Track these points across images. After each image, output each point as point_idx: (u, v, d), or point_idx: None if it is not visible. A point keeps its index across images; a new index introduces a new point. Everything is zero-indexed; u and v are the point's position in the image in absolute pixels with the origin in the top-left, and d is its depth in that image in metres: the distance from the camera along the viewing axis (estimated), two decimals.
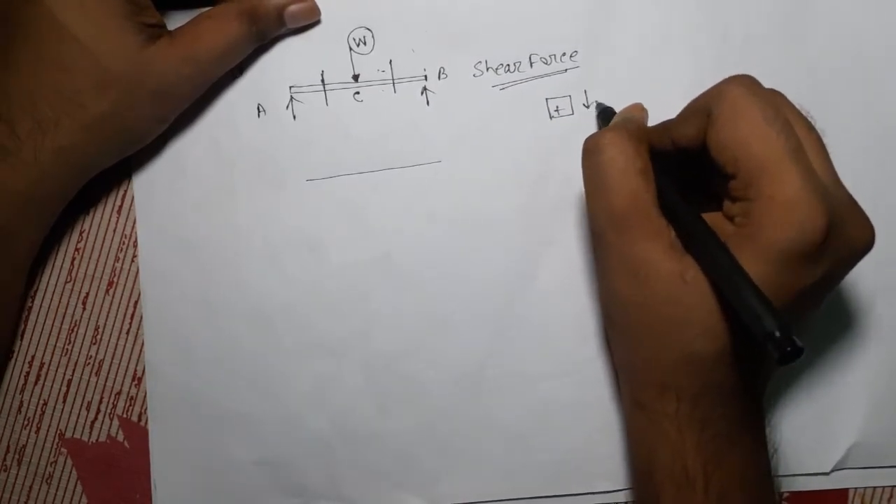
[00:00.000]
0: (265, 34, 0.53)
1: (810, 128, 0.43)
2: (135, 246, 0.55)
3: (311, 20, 0.53)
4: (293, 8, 0.52)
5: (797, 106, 0.44)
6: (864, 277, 0.53)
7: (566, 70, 0.53)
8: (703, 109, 0.43)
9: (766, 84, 0.52)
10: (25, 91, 0.48)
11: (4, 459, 0.55)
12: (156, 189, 0.54)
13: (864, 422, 0.52)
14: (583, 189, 0.51)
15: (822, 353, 0.53)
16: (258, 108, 0.54)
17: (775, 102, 0.42)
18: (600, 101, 0.53)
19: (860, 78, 0.53)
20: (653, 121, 0.51)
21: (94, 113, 0.49)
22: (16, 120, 0.48)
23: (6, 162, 0.48)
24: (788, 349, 0.36)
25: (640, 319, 0.44)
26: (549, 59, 0.53)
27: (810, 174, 0.40)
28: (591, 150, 0.45)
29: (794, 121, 0.42)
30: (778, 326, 0.37)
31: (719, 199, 0.45)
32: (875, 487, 0.53)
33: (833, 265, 0.42)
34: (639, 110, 0.51)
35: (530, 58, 0.53)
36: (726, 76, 0.52)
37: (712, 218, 0.43)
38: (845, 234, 0.41)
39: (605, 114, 0.52)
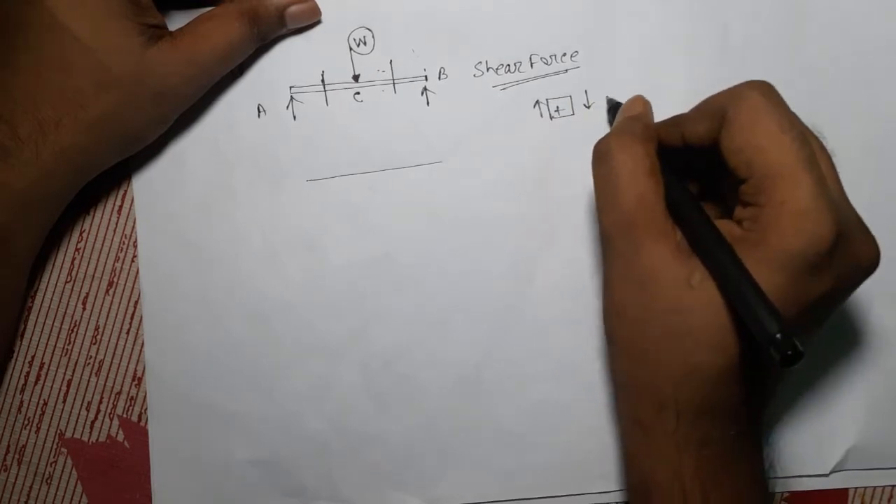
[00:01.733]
0: (266, 35, 0.53)
1: (821, 145, 0.43)
2: (135, 246, 0.55)
3: (311, 20, 0.54)
4: (294, 8, 0.53)
5: (810, 125, 0.44)
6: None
7: (567, 70, 0.54)
8: (718, 110, 0.43)
9: None
10: (27, 91, 0.48)
11: (4, 459, 0.55)
12: (156, 189, 0.55)
13: (863, 423, 0.53)
14: (581, 189, 0.52)
15: (821, 354, 0.53)
16: (258, 109, 0.54)
17: (791, 113, 0.42)
18: (609, 96, 0.53)
19: (859, 79, 0.54)
20: (656, 119, 0.51)
21: (96, 113, 0.49)
22: (17, 120, 0.48)
23: (7, 162, 0.48)
24: (790, 352, 0.36)
25: (642, 333, 0.44)
26: (549, 59, 0.54)
27: (823, 185, 0.40)
28: (600, 156, 0.45)
29: (807, 134, 0.42)
30: (780, 329, 0.37)
31: (725, 201, 0.46)
32: (875, 487, 0.54)
33: (837, 280, 0.41)
34: (641, 104, 0.51)
35: (531, 58, 0.54)
36: (726, 77, 0.52)
37: (720, 222, 0.43)
38: (852, 249, 0.42)
39: (615, 109, 0.52)
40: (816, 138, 0.43)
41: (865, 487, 0.54)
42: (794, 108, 0.53)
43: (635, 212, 0.43)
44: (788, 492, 0.53)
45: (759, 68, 0.53)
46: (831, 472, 0.53)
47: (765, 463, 0.46)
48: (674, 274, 0.42)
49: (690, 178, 0.46)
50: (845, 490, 0.54)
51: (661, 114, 0.51)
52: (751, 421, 0.44)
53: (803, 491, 0.53)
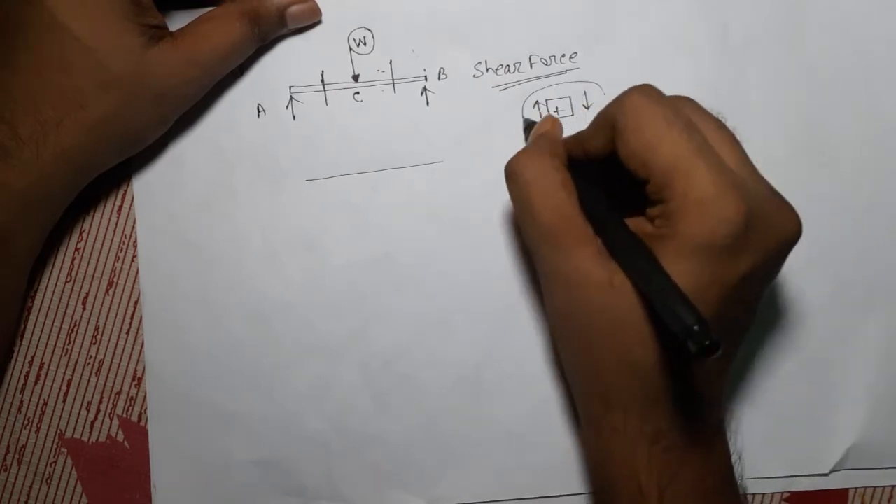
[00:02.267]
0: (267, 35, 0.54)
1: (720, 125, 0.44)
2: (135, 246, 0.55)
3: (312, 20, 0.54)
4: (294, 9, 0.53)
5: (708, 108, 0.44)
6: (863, 278, 0.53)
7: (566, 71, 0.54)
8: (608, 121, 0.44)
9: (766, 84, 0.53)
10: (27, 92, 0.49)
11: (4, 459, 0.55)
12: (156, 189, 0.55)
13: (864, 422, 0.53)
14: None
15: (821, 353, 0.53)
16: (258, 108, 0.55)
17: (675, 105, 0.43)
18: (529, 118, 0.54)
19: (859, 77, 0.54)
20: None
21: (96, 114, 0.49)
22: (18, 121, 0.48)
23: (8, 163, 0.48)
24: (707, 343, 0.36)
25: (578, 330, 0.45)
26: (548, 60, 0.54)
27: (720, 168, 0.41)
28: (510, 174, 0.46)
29: (699, 120, 0.43)
30: (696, 320, 0.37)
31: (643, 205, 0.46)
32: (875, 487, 0.54)
33: (760, 257, 0.42)
34: (550, 122, 0.51)
35: (530, 59, 0.54)
36: (726, 77, 0.53)
37: (635, 222, 0.44)
38: (769, 224, 0.42)
39: (530, 128, 0.52)
40: (714, 120, 0.44)
41: (866, 487, 0.54)
42: (793, 106, 0.54)
43: (553, 223, 0.44)
44: (788, 492, 0.53)
45: (759, 68, 0.54)
46: (831, 472, 0.53)
47: (731, 454, 0.47)
48: (597, 277, 0.42)
49: (613, 191, 0.46)
50: (845, 490, 0.54)
51: None
52: (706, 407, 0.45)
53: (803, 491, 0.53)
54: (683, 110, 0.43)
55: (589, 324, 0.44)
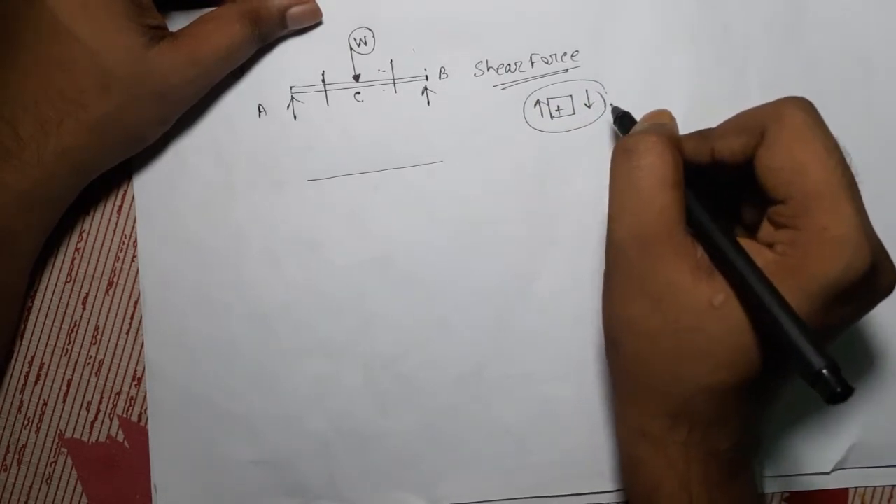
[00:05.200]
0: (267, 36, 0.54)
1: (848, 165, 0.42)
2: (135, 246, 0.56)
3: (313, 21, 0.55)
4: (295, 10, 0.54)
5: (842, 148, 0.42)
6: None
7: (567, 70, 0.54)
8: (755, 127, 0.42)
9: (766, 82, 0.54)
10: (28, 92, 0.49)
11: (4, 459, 0.56)
12: (156, 189, 0.55)
13: (865, 421, 0.53)
14: (582, 188, 0.53)
15: None
16: (259, 109, 0.55)
17: (833, 135, 0.41)
18: (618, 107, 0.53)
19: (860, 78, 0.54)
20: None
21: (97, 114, 0.50)
22: (18, 121, 0.49)
23: (9, 163, 0.49)
24: (839, 390, 0.36)
25: (656, 348, 0.42)
26: (550, 58, 0.55)
27: (862, 214, 0.40)
28: (628, 152, 0.43)
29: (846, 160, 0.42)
30: (827, 365, 0.36)
31: (741, 219, 0.46)
32: (875, 487, 0.54)
33: (863, 307, 0.42)
34: (669, 118, 0.48)
35: (531, 57, 0.55)
36: (726, 76, 0.53)
37: (747, 242, 0.42)
38: (879, 276, 0.41)
39: (622, 119, 0.51)
40: (845, 159, 0.42)
41: (866, 487, 0.54)
42: None
43: (656, 223, 0.42)
44: (788, 492, 0.54)
45: (760, 67, 0.54)
46: (833, 471, 0.53)
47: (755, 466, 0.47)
48: (694, 293, 0.41)
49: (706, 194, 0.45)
50: (845, 490, 0.54)
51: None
52: (756, 429, 0.45)
53: (803, 491, 0.54)
54: (838, 144, 0.41)
55: (672, 340, 0.42)
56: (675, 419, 0.43)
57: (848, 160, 0.42)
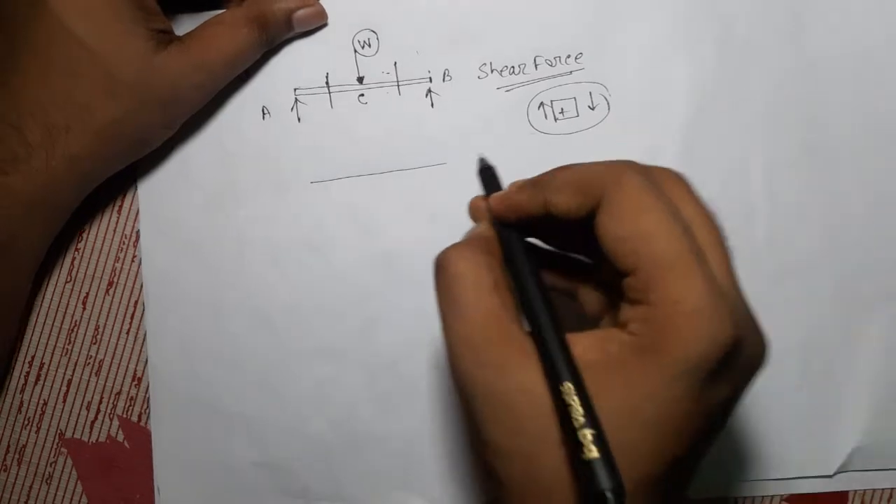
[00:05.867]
0: (274, 39, 0.54)
1: (713, 226, 0.38)
2: (134, 246, 0.56)
3: (319, 23, 0.55)
4: (301, 13, 0.54)
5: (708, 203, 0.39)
6: (866, 281, 0.54)
7: (571, 72, 0.55)
8: (591, 188, 0.38)
9: (768, 83, 0.54)
10: (36, 98, 0.49)
11: (4, 459, 0.56)
12: (160, 190, 0.56)
13: (867, 425, 0.53)
14: None
15: (824, 356, 0.54)
16: (263, 111, 0.55)
17: (670, 199, 0.37)
18: (485, 159, 0.47)
19: (861, 78, 0.55)
20: (661, 126, 0.53)
21: (104, 119, 0.50)
22: (27, 127, 0.49)
23: (18, 169, 0.49)
24: None
25: (537, 469, 0.36)
26: (553, 61, 0.55)
27: (714, 280, 0.36)
28: (439, 266, 0.40)
29: (694, 213, 0.38)
30: (613, 487, 0.33)
31: (603, 279, 0.43)
32: (875, 489, 0.54)
33: (739, 383, 0.37)
34: (486, 227, 0.44)
35: (535, 60, 0.55)
36: (728, 77, 0.53)
37: (607, 332, 0.37)
38: (750, 347, 0.37)
39: (485, 173, 0.46)
40: (710, 218, 0.38)
41: (866, 490, 0.54)
42: (796, 105, 0.54)
43: (486, 327, 0.38)
44: (790, 494, 0.54)
45: (762, 68, 0.55)
46: (835, 474, 0.54)
47: None
48: (542, 396, 0.36)
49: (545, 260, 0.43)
50: (846, 493, 0.54)
51: (666, 116, 0.53)
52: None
53: (804, 493, 0.54)
54: (675, 204, 0.37)
55: (551, 456, 0.36)
56: None
57: (718, 222, 0.39)
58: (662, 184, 0.38)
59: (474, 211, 0.45)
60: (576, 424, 0.34)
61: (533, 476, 0.36)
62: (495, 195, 0.43)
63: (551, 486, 0.36)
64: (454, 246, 0.41)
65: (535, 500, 0.36)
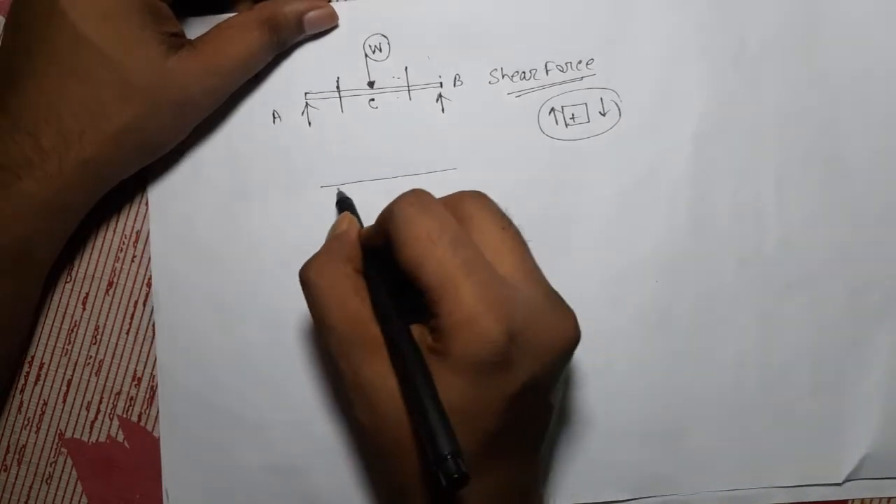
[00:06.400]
0: (285, 42, 0.54)
1: (504, 226, 0.44)
2: (135, 246, 0.56)
3: (330, 25, 0.55)
4: (312, 14, 0.54)
5: (497, 202, 0.45)
6: (877, 285, 0.54)
7: (582, 78, 0.55)
8: (384, 224, 0.44)
9: (781, 91, 0.54)
10: (49, 103, 0.49)
11: (4, 459, 0.56)
12: (170, 194, 0.55)
13: (877, 433, 0.54)
14: (596, 197, 0.53)
15: (835, 364, 0.54)
16: (273, 115, 0.55)
17: (443, 215, 0.43)
18: (343, 192, 0.54)
19: (874, 87, 0.55)
20: (672, 133, 0.54)
21: (118, 124, 0.50)
22: (41, 132, 0.49)
23: (31, 174, 0.49)
24: (455, 475, 0.37)
25: (378, 443, 0.44)
26: (564, 66, 0.55)
27: (485, 285, 0.41)
28: (304, 283, 0.46)
29: (481, 222, 0.44)
30: (451, 449, 0.38)
31: None
32: (886, 498, 0.55)
33: (535, 366, 0.42)
34: (347, 223, 0.50)
35: (546, 65, 0.55)
36: (741, 86, 0.53)
37: (421, 331, 0.43)
38: (539, 334, 0.42)
39: (342, 205, 0.53)
40: (498, 220, 0.44)
41: (875, 498, 0.55)
42: (808, 113, 0.55)
43: (347, 332, 0.44)
44: (797, 502, 0.55)
45: (775, 76, 0.55)
46: (845, 482, 0.54)
47: None
48: (392, 387, 0.42)
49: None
50: (855, 501, 0.55)
51: (678, 124, 0.54)
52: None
53: (814, 502, 0.54)
54: (450, 220, 0.43)
55: (388, 439, 0.43)
56: None
57: (510, 218, 0.45)
58: (439, 207, 0.43)
59: (338, 222, 0.50)
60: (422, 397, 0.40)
61: (386, 446, 0.43)
62: (367, 229, 0.48)
63: (400, 453, 0.43)
64: (314, 259, 0.47)
65: (392, 462, 0.44)
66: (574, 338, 0.44)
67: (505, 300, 0.41)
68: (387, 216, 0.44)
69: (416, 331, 0.43)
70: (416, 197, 0.44)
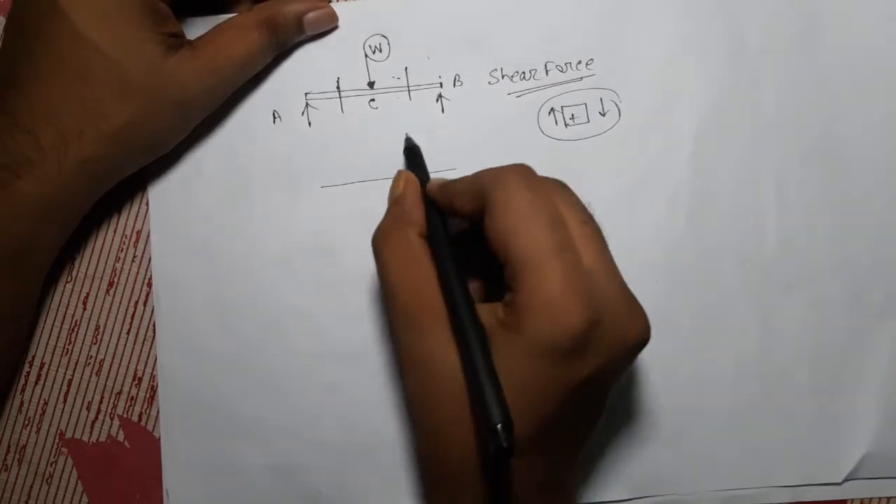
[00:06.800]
0: (285, 42, 0.54)
1: (585, 220, 0.44)
2: (135, 246, 0.56)
3: (329, 26, 0.55)
4: (312, 15, 0.54)
5: (580, 196, 0.45)
6: (878, 285, 0.55)
7: (582, 78, 0.55)
8: (481, 192, 0.44)
9: (781, 90, 0.54)
10: (49, 102, 0.49)
11: (5, 459, 0.56)
12: (171, 194, 0.56)
13: (877, 433, 0.54)
14: (596, 197, 0.53)
15: (835, 364, 0.54)
16: (274, 115, 0.55)
17: (547, 195, 0.43)
18: (410, 137, 0.55)
19: (874, 85, 0.55)
20: (672, 133, 0.54)
21: (117, 123, 0.50)
22: (40, 131, 0.49)
23: (31, 173, 0.49)
24: (505, 446, 0.37)
25: (429, 417, 0.44)
26: (564, 66, 0.55)
27: (573, 270, 0.41)
28: (374, 253, 0.47)
29: (567, 212, 0.43)
30: (502, 419, 0.38)
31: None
32: (884, 498, 0.55)
33: (604, 360, 0.42)
34: (404, 182, 0.50)
35: (546, 65, 0.55)
36: (741, 86, 0.53)
37: (491, 305, 0.43)
38: (615, 328, 0.42)
39: (410, 152, 0.54)
40: (581, 213, 0.44)
41: (874, 498, 0.55)
42: (809, 113, 0.55)
43: (409, 303, 0.44)
44: (797, 501, 0.55)
45: (775, 78, 0.55)
46: (844, 481, 0.54)
47: None
48: (452, 362, 0.42)
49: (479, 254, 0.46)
50: (854, 501, 0.55)
51: (679, 123, 0.54)
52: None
53: (813, 501, 0.55)
54: (553, 201, 0.43)
55: (441, 413, 0.43)
56: (452, 496, 0.45)
57: (592, 212, 0.45)
58: (545, 187, 0.44)
59: (399, 181, 0.50)
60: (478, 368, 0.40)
61: (440, 421, 0.43)
62: (433, 182, 0.49)
63: (455, 429, 0.43)
64: (380, 229, 0.47)
65: (444, 437, 0.44)
66: (645, 336, 0.44)
67: (588, 289, 0.41)
68: (489, 181, 0.44)
69: (487, 307, 0.43)
70: (525, 169, 0.45)
